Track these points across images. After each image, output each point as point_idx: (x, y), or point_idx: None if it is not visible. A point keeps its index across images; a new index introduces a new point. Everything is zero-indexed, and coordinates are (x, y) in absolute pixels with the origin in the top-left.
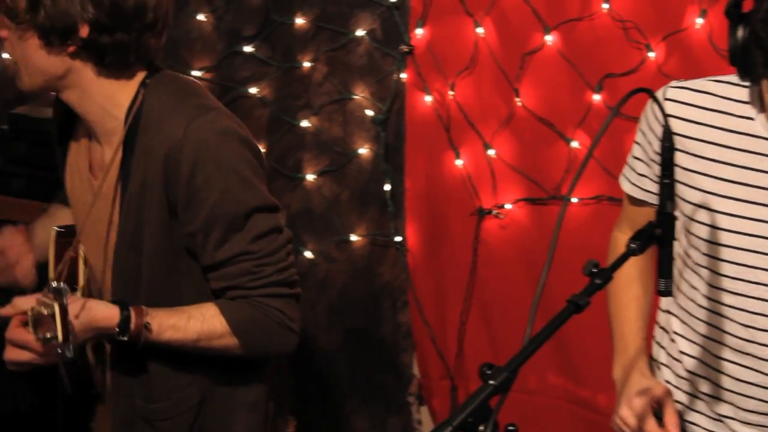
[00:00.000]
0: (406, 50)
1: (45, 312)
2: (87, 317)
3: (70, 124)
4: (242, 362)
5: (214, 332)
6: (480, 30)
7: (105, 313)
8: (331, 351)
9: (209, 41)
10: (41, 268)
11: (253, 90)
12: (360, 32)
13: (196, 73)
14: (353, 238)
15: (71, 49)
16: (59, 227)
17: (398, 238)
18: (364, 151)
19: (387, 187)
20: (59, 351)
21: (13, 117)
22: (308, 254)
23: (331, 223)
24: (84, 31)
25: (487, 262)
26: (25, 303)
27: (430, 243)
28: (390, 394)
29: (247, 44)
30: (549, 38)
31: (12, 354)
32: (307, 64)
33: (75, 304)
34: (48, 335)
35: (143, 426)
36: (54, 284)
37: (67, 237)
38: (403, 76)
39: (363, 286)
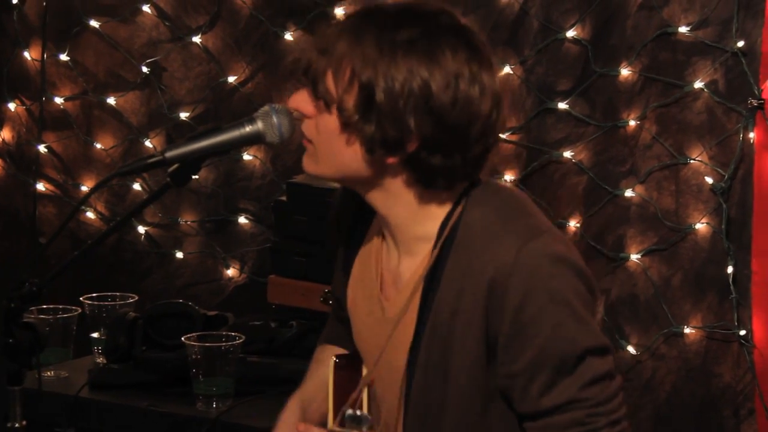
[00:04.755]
0: (755, 105)
1: None
2: None
3: (362, 221)
4: None
5: None
6: None
7: None
8: None
9: (517, 97)
10: None
11: (567, 154)
12: (698, 84)
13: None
14: (686, 330)
15: (391, 160)
16: (338, 357)
17: (742, 332)
18: (701, 226)
19: (729, 269)
20: None
21: (293, 187)
22: (631, 350)
23: (660, 313)
24: (411, 147)
25: None
26: None
27: None
28: None
29: (562, 100)
30: None
31: None
32: (632, 123)
33: None
34: None
35: None
36: (350, 412)
37: (349, 368)
38: (751, 135)
39: (698, 390)
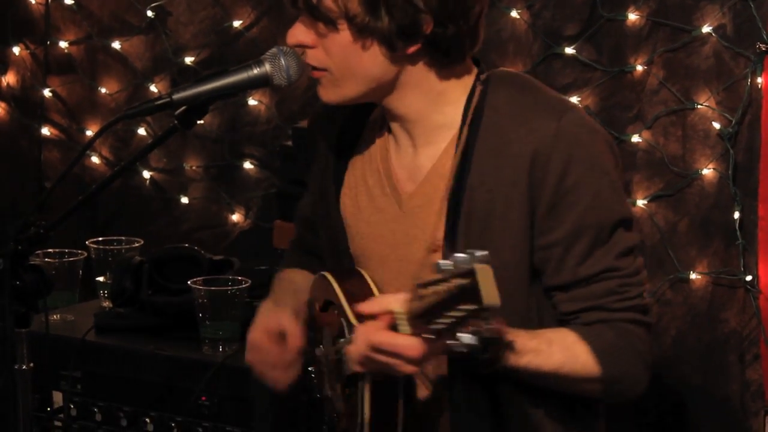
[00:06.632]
0: (764, 49)
1: (442, 295)
2: None
3: (352, 129)
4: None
5: (578, 360)
6: None
7: None
8: (663, 411)
9: (523, 42)
10: None
11: (574, 99)
12: (706, 28)
13: None
14: (692, 276)
15: (413, 49)
16: (328, 270)
17: (748, 278)
18: (707, 171)
19: (736, 215)
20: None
21: (298, 132)
22: None
23: (666, 258)
24: (428, 26)
25: None
26: (393, 302)
27: None
28: None
29: (569, 45)
30: None
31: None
32: (639, 68)
33: None
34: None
35: None
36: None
37: (348, 276)
38: (759, 80)
39: (703, 335)
